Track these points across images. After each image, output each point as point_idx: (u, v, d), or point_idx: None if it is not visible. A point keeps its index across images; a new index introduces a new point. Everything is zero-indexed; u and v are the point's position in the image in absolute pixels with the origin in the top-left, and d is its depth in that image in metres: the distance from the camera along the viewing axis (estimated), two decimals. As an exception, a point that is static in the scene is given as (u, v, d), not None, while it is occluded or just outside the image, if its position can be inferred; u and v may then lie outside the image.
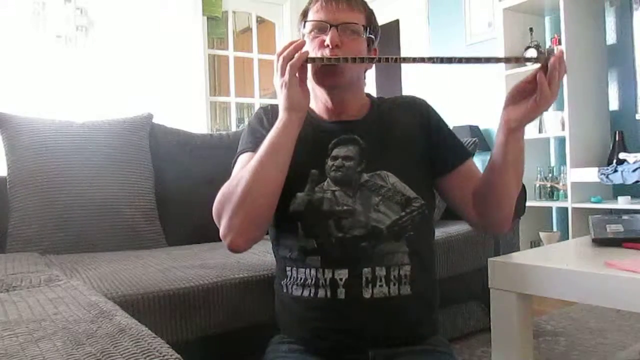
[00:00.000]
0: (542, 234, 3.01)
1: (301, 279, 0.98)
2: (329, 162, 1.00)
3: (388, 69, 4.06)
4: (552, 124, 3.03)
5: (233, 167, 1.04)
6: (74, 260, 1.40)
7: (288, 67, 0.89)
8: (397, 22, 4.07)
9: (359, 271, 0.94)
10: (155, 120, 1.92)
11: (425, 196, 1.01)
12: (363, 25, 1.01)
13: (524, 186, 1.99)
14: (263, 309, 1.19)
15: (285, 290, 1.01)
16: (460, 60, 0.90)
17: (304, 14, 1.04)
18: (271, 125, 0.98)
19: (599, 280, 0.93)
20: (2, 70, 3.08)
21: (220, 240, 0.97)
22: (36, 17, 3.20)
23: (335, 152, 1.01)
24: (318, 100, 1.06)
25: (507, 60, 0.93)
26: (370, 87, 4.10)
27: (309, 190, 0.98)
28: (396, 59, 0.95)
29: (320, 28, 0.99)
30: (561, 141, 3.11)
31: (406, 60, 0.97)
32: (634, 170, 2.55)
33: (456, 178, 1.05)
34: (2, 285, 0.95)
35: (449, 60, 0.91)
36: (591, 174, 2.75)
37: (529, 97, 0.90)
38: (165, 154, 1.88)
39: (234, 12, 4.23)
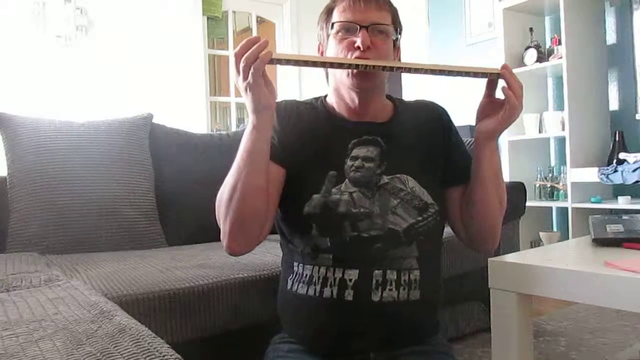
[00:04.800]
0: (542, 234, 3.01)
1: (307, 275, 0.96)
2: (349, 162, 0.98)
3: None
4: (552, 124, 3.03)
5: None
6: (74, 260, 1.40)
7: (252, 70, 0.83)
8: (397, 22, 4.06)
9: (370, 273, 0.93)
10: (155, 120, 1.92)
11: (439, 203, 1.01)
12: (392, 25, 0.99)
13: (523, 186, 2.00)
14: (263, 309, 1.19)
15: (289, 287, 1.00)
16: (425, 70, 0.93)
17: (328, 13, 1.01)
18: (277, 122, 0.98)
19: (599, 280, 0.93)
20: (2, 70, 3.07)
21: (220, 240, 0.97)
22: (36, 17, 3.20)
23: (355, 152, 0.99)
24: (341, 99, 1.03)
25: (466, 73, 0.95)
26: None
27: (325, 192, 0.96)
28: (379, 66, 0.93)
29: (349, 29, 0.96)
30: (561, 141, 3.11)
31: (385, 68, 0.94)
32: (634, 170, 2.54)
33: (462, 191, 1.05)
34: (2, 285, 0.95)
35: (417, 69, 0.93)
36: (591, 174, 2.75)
37: (497, 110, 0.96)
38: (165, 154, 1.88)
39: (234, 12, 4.22)
